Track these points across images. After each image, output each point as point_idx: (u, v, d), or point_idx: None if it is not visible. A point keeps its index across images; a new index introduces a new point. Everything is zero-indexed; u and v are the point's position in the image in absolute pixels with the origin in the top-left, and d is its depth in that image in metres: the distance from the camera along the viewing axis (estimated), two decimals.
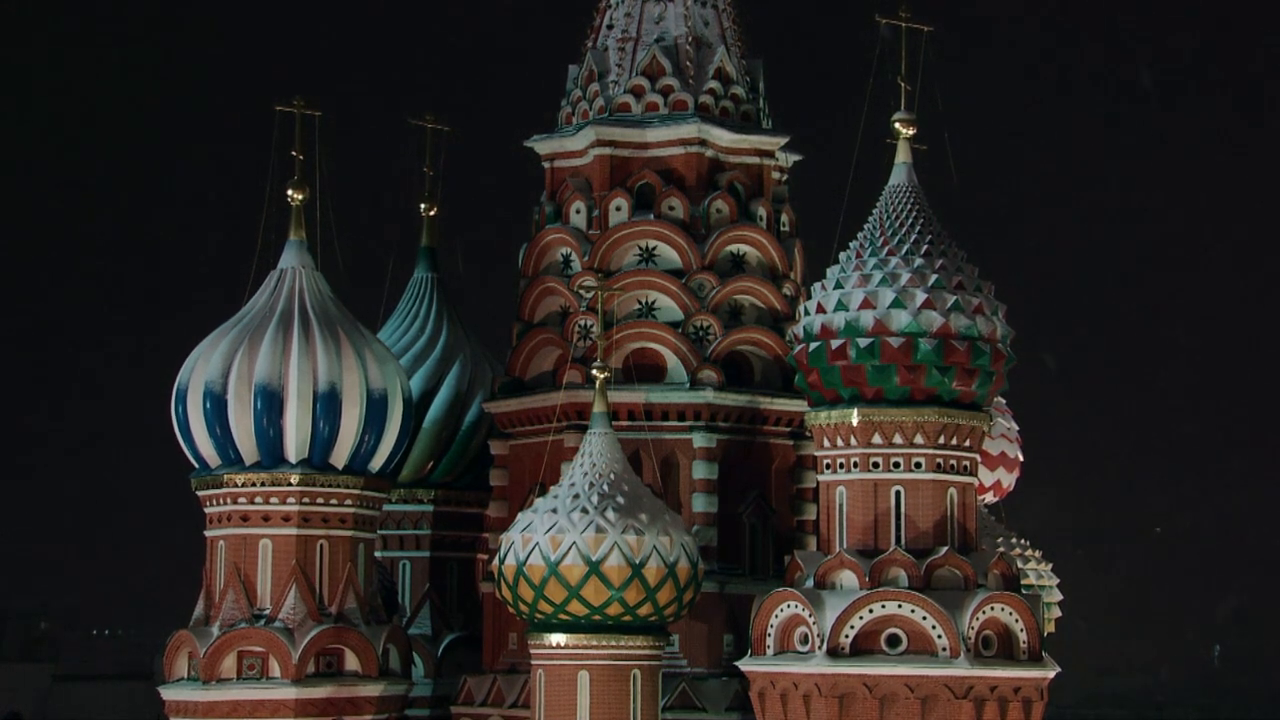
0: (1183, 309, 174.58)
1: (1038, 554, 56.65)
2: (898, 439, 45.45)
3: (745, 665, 46.29)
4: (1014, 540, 56.04)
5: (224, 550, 50.52)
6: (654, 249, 52.66)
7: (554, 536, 46.19)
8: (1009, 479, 55.85)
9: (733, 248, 53.03)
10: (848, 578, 45.27)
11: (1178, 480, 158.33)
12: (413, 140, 61.33)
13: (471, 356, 58.79)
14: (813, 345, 46.08)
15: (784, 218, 54.42)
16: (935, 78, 47.37)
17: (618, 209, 52.89)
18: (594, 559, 45.85)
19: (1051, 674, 45.52)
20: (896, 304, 45.19)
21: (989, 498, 55.75)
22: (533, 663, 47.47)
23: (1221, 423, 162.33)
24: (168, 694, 50.59)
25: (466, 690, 52.97)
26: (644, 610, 46.34)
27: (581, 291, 52.23)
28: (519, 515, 47.80)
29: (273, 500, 50.17)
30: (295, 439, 50.07)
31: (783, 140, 54.36)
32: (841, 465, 46.09)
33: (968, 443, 45.95)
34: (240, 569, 50.09)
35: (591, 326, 51.35)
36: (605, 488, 46.87)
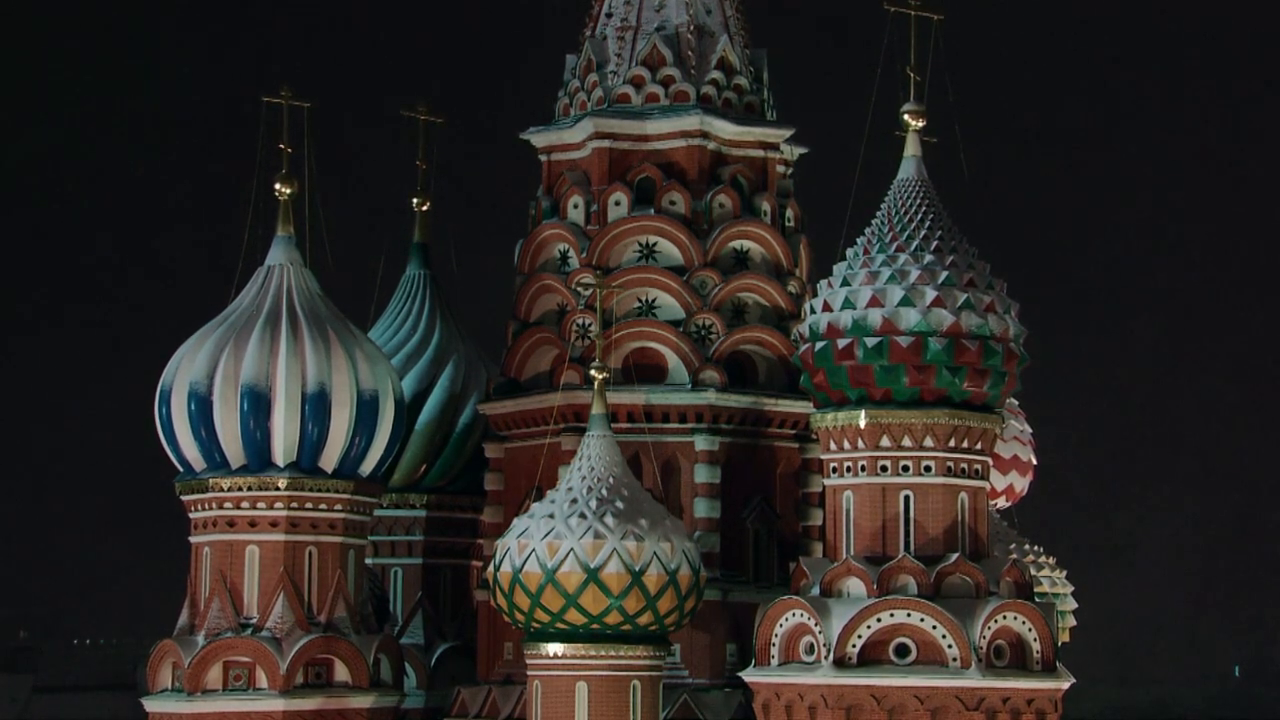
0: (1204, 308, 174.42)
1: (1052, 561, 56.15)
2: (906, 441, 45.05)
3: (749, 676, 45.91)
4: (1027, 547, 55.53)
5: (209, 557, 50.07)
6: (654, 245, 52.29)
7: (551, 543, 45.92)
8: (1021, 483, 55.62)
9: (736, 244, 52.70)
10: (855, 585, 44.85)
11: (1198, 485, 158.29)
12: (405, 132, 61.09)
13: (466, 356, 58.55)
14: (819, 345, 45.66)
15: (789, 213, 54.19)
16: (946, 68, 47.19)
17: (617, 204, 52.57)
18: (592, 566, 45.59)
19: (1066, 685, 45.19)
20: (905, 302, 44.85)
21: (1001, 502, 55.27)
22: (529, 673, 47.19)
23: (1244, 426, 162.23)
24: (151, 705, 50.21)
25: (460, 702, 52.59)
26: (644, 619, 46.01)
27: (580, 289, 51.88)
28: (515, 521, 47.59)
29: (260, 505, 49.70)
30: (283, 442, 49.64)
31: (787, 132, 54.14)
32: (848, 469, 45.65)
33: (979, 445, 45.62)
34: (226, 576, 49.66)
35: (590, 325, 50.96)
36: (604, 492, 46.58)
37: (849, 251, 46.44)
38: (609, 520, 45.78)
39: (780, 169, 54.04)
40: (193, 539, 50.46)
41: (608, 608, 45.52)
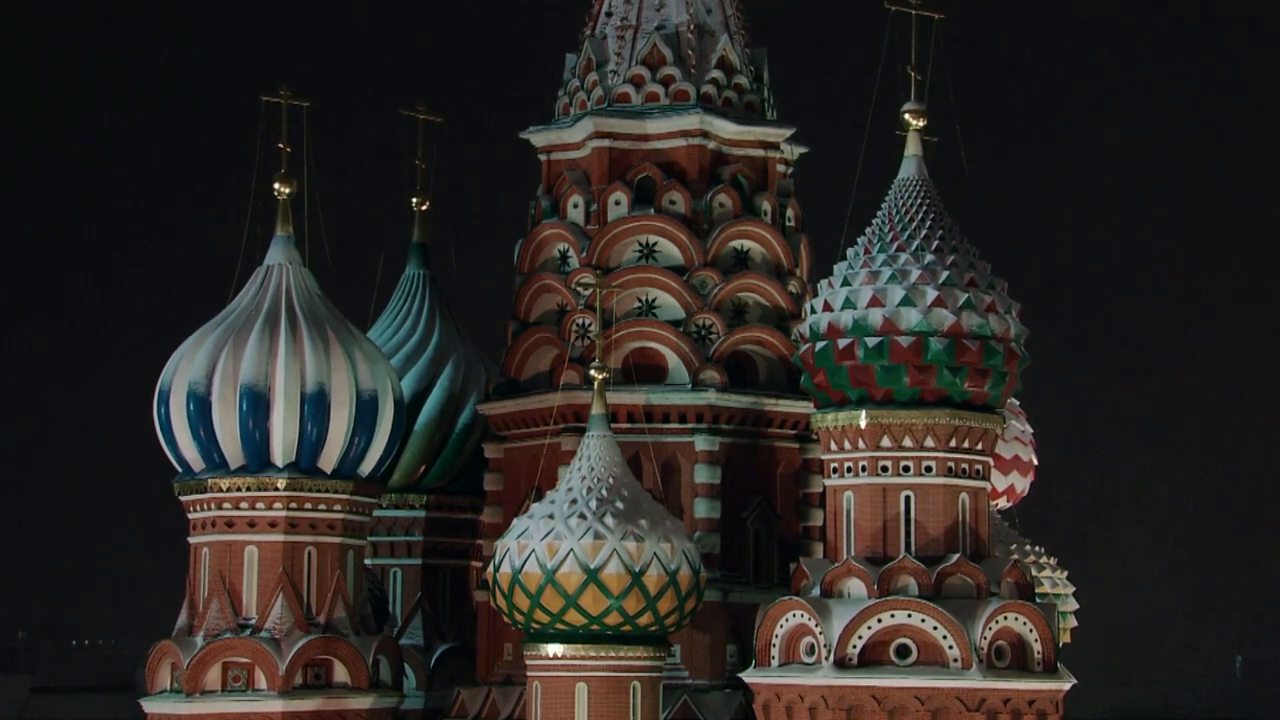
0: (1206, 308, 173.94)
1: (1053, 561, 55.95)
2: (907, 442, 44.89)
3: (749, 677, 45.75)
4: (1028, 547, 55.30)
5: (208, 558, 49.87)
6: (654, 245, 52.10)
7: (550, 543, 45.75)
8: (1022, 483, 55.35)
9: (736, 243, 52.51)
10: (855, 586, 44.67)
11: (1199, 486, 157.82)
12: (404, 132, 61.01)
13: (465, 356, 58.42)
14: (819, 345, 45.49)
15: (789, 212, 54.00)
16: (946, 67, 47.00)
17: (617, 203, 52.37)
18: (592, 566, 45.42)
19: (1067, 686, 45.04)
20: (906, 302, 44.68)
21: (1002, 503, 55.05)
22: (529, 674, 47.03)
23: (1246, 427, 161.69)
24: (150, 706, 50.02)
25: (460, 703, 52.43)
26: (644, 620, 45.83)
27: (579, 289, 51.67)
28: (514, 521, 47.42)
29: (259, 505, 49.50)
30: (282, 442, 49.44)
31: (788, 132, 53.93)
32: (849, 469, 45.47)
33: (980, 446, 45.46)
34: (225, 577, 49.44)
35: (590, 325, 50.80)
36: (604, 492, 46.41)
37: (850, 251, 46.23)
38: (609, 521, 45.59)
39: (780, 168, 53.82)
40: (191, 539, 50.23)
41: (607, 608, 45.33)
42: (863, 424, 44.81)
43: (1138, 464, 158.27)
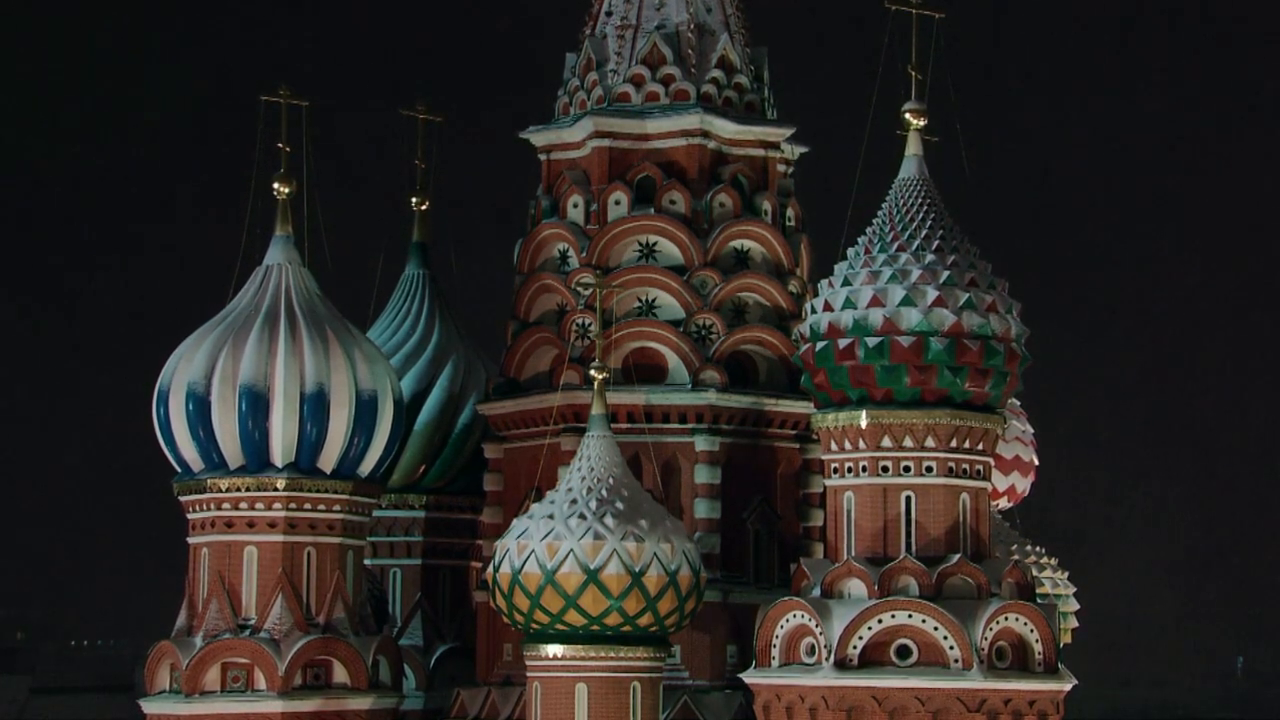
0: (1206, 308, 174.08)
1: (1053, 561, 55.87)
2: (908, 442, 44.81)
3: (749, 677, 45.69)
4: (1029, 547, 55.21)
5: (207, 558, 49.79)
6: (654, 245, 52.02)
7: (550, 543, 45.66)
8: (1023, 483, 55.25)
9: (736, 243, 52.41)
10: (856, 586, 44.59)
11: (1200, 486, 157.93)
12: (404, 132, 60.91)
13: (465, 356, 58.37)
14: (819, 344, 45.44)
15: (790, 212, 53.91)
16: (947, 66, 46.96)
17: (617, 203, 52.29)
18: (592, 567, 45.33)
19: (1068, 686, 44.99)
20: (906, 301, 44.61)
21: (1003, 503, 54.96)
22: (528, 675, 46.96)
23: (1247, 427, 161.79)
24: (149, 707, 49.96)
25: (460, 703, 52.36)
26: (644, 620, 45.75)
27: (579, 289, 51.60)
28: (514, 521, 47.35)
29: (258, 506, 49.42)
30: (281, 442, 49.36)
31: (788, 131, 53.84)
32: (849, 469, 45.40)
33: (980, 446, 45.39)
34: (224, 577, 49.37)
35: (590, 325, 50.72)
36: (604, 493, 46.32)
37: (850, 251, 46.16)
38: (609, 521, 45.50)
39: (781, 168, 53.73)
40: (191, 540, 50.13)
41: (607, 609, 45.24)
42: (863, 424, 44.75)
43: (1138, 463, 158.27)
